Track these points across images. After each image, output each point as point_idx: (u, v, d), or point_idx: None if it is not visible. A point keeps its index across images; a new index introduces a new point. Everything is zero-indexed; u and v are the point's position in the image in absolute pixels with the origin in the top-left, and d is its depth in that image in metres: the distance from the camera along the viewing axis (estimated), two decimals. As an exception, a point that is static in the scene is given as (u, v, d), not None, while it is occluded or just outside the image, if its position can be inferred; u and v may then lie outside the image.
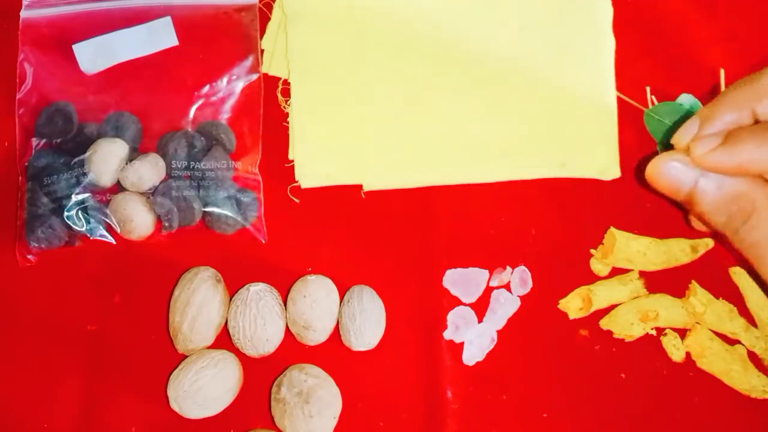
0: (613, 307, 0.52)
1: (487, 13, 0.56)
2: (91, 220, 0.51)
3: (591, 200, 0.54)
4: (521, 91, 0.55)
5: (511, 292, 0.52)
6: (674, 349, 0.51)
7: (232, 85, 0.54)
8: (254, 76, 0.54)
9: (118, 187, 0.52)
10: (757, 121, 0.43)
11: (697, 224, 0.50)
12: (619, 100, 0.55)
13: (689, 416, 0.50)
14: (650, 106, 0.55)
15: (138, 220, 0.50)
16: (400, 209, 0.54)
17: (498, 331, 0.52)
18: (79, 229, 0.50)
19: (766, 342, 0.51)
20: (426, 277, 0.52)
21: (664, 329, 0.52)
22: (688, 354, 0.51)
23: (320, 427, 0.47)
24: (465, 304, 0.52)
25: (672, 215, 0.54)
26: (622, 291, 0.52)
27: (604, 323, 0.51)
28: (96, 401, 0.50)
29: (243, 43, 0.55)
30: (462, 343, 0.51)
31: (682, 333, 0.51)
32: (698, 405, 0.50)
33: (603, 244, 0.53)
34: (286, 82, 0.55)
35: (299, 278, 0.51)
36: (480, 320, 0.52)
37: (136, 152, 0.52)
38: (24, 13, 0.54)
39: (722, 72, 0.50)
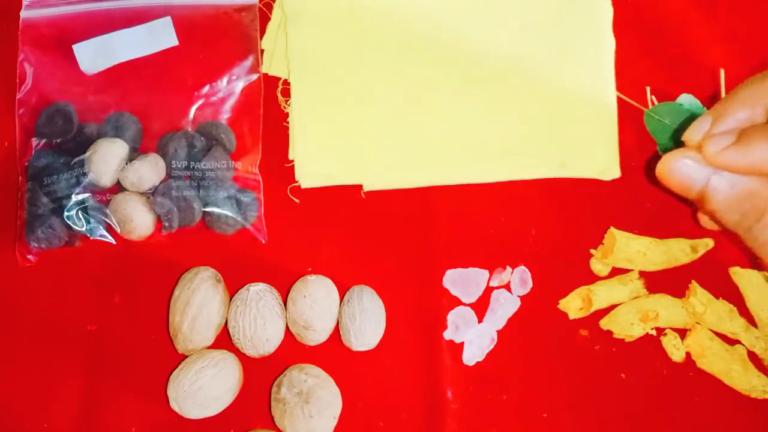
0: (613, 307, 0.52)
1: (487, 13, 0.56)
2: (91, 220, 0.51)
3: (591, 200, 0.54)
4: (521, 91, 0.55)
5: (511, 292, 0.52)
6: (674, 349, 0.51)
7: (232, 85, 0.54)
8: (254, 76, 0.54)
9: (118, 187, 0.52)
10: None
11: (705, 222, 0.49)
12: (619, 100, 0.55)
13: (689, 416, 0.50)
14: (650, 106, 0.55)
15: (138, 220, 0.50)
16: (400, 209, 0.54)
17: (498, 331, 0.52)
18: (79, 229, 0.50)
19: (766, 342, 0.51)
20: (426, 277, 0.52)
21: (664, 329, 0.52)
22: (688, 354, 0.51)
23: (320, 427, 0.47)
24: (465, 304, 0.52)
25: (672, 215, 0.54)
26: (622, 291, 0.52)
27: (604, 323, 0.51)
28: (96, 401, 0.50)
29: (243, 43, 0.55)
30: (462, 343, 0.51)
31: (682, 333, 0.51)
32: (698, 405, 0.50)
33: (603, 244, 0.53)
34: (286, 82, 0.55)
35: (299, 278, 0.51)
36: (480, 320, 0.52)
37: (136, 152, 0.52)
38: (24, 13, 0.54)
39: (722, 72, 0.50)
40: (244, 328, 0.49)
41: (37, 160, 0.51)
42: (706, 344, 0.51)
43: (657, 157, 0.51)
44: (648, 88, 0.55)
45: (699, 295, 0.51)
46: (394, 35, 0.55)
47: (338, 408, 0.48)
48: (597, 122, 0.55)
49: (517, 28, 0.56)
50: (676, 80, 0.55)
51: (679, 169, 0.42)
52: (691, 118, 0.53)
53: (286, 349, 0.50)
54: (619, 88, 0.55)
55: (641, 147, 0.54)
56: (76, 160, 0.51)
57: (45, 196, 0.51)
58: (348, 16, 0.56)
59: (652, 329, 0.51)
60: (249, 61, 0.55)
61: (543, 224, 0.54)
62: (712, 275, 0.52)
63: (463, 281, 0.52)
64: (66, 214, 0.50)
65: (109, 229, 0.51)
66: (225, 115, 0.54)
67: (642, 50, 0.57)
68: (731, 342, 0.51)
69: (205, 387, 0.47)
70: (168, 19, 0.54)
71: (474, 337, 0.51)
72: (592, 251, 0.53)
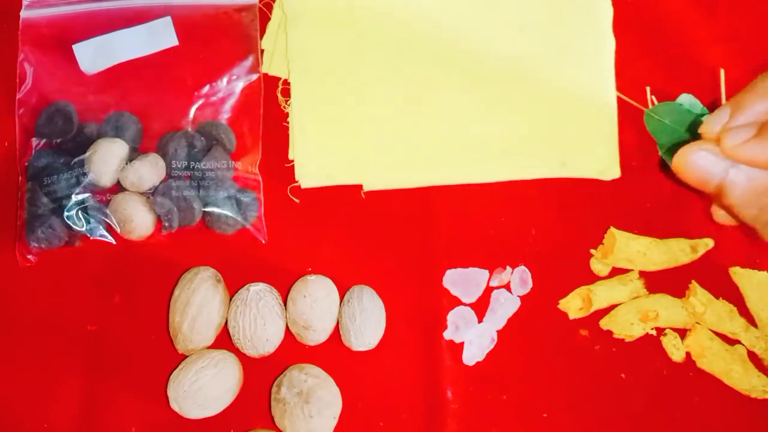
0: (613, 307, 0.52)
1: (487, 13, 0.56)
2: (91, 220, 0.51)
3: (591, 200, 0.54)
4: (521, 91, 0.55)
5: (511, 292, 0.52)
6: (674, 349, 0.51)
7: (232, 85, 0.54)
8: (254, 76, 0.54)
9: (118, 187, 0.52)
10: None
11: (719, 216, 0.48)
12: (619, 100, 0.55)
13: (689, 416, 0.50)
14: (650, 106, 0.55)
15: (138, 220, 0.50)
16: (400, 209, 0.54)
17: (498, 331, 0.52)
18: (79, 229, 0.50)
19: (766, 342, 0.51)
20: (426, 277, 0.52)
21: (664, 329, 0.52)
22: (688, 354, 0.51)
23: (320, 427, 0.47)
24: (465, 304, 0.52)
25: (672, 215, 0.54)
26: (622, 291, 0.52)
27: (604, 323, 0.51)
28: (96, 401, 0.50)
29: (243, 43, 0.55)
30: (462, 343, 0.51)
31: (682, 333, 0.51)
32: (698, 405, 0.50)
33: (603, 244, 0.53)
34: (286, 82, 0.55)
35: (299, 278, 0.51)
36: (480, 320, 0.52)
37: (136, 152, 0.52)
38: (24, 13, 0.54)
39: (722, 72, 0.50)
40: (244, 328, 0.49)
41: (37, 160, 0.51)
42: (706, 344, 0.51)
43: (665, 155, 0.51)
44: (648, 88, 0.55)
45: (699, 295, 0.51)
46: (394, 35, 0.55)
47: (338, 408, 0.48)
48: (597, 122, 0.55)
49: (517, 28, 0.56)
50: (676, 80, 0.55)
51: (696, 162, 0.41)
52: (692, 118, 0.53)
53: (286, 349, 0.50)
54: (619, 88, 0.55)
55: (641, 147, 0.54)
56: (76, 160, 0.51)
57: (45, 196, 0.51)
58: (348, 16, 0.56)
59: (652, 329, 0.51)
60: (249, 61, 0.55)
61: (543, 224, 0.54)
62: (712, 275, 0.52)
63: (463, 281, 0.52)
64: (66, 214, 0.50)
65: (109, 229, 0.51)
66: (225, 115, 0.54)
67: (642, 50, 0.57)
68: (731, 342, 0.51)
69: (205, 387, 0.47)
70: (168, 19, 0.54)
71: (474, 337, 0.51)
72: (592, 251, 0.53)
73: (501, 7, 0.56)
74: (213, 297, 0.49)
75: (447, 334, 0.51)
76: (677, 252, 0.52)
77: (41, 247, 0.51)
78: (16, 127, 0.53)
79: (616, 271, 0.53)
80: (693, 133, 0.53)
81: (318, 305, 0.49)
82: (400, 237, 0.53)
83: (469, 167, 0.54)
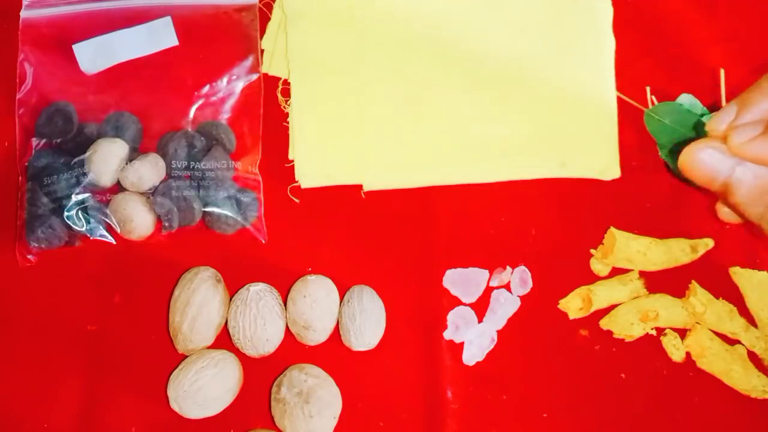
0: (613, 307, 0.52)
1: (487, 13, 0.56)
2: (91, 220, 0.51)
3: (591, 200, 0.54)
4: (521, 91, 0.55)
5: (511, 292, 0.52)
6: (674, 349, 0.51)
7: (232, 85, 0.54)
8: (254, 76, 0.54)
9: (118, 187, 0.52)
10: None
11: (724, 214, 0.47)
12: (619, 100, 0.55)
13: (689, 416, 0.50)
14: (650, 106, 0.55)
15: (138, 220, 0.50)
16: (400, 209, 0.54)
17: (498, 331, 0.52)
18: (79, 229, 0.50)
19: (766, 342, 0.51)
20: (426, 277, 0.52)
21: (664, 329, 0.52)
22: (688, 354, 0.51)
23: (320, 427, 0.47)
24: (465, 304, 0.52)
25: (672, 215, 0.54)
26: (622, 291, 0.52)
27: (604, 323, 0.51)
28: (96, 401, 0.50)
29: (243, 43, 0.55)
30: (462, 343, 0.51)
31: (682, 333, 0.51)
32: (698, 405, 0.50)
33: (603, 244, 0.53)
34: (286, 82, 0.55)
35: (299, 278, 0.51)
36: (480, 320, 0.52)
37: (136, 152, 0.52)
38: (24, 13, 0.54)
39: (722, 72, 0.50)
40: (244, 328, 0.49)
41: (37, 160, 0.51)
42: (706, 344, 0.51)
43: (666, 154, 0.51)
44: (648, 88, 0.55)
45: (699, 295, 0.51)
46: (394, 35, 0.55)
47: (338, 408, 0.48)
48: (597, 122, 0.55)
49: (517, 28, 0.56)
50: (676, 80, 0.55)
51: (703, 160, 0.41)
52: (691, 118, 0.53)
53: (286, 349, 0.50)
54: (619, 88, 0.55)
55: (641, 147, 0.54)
56: (76, 160, 0.51)
57: (45, 196, 0.51)
58: (348, 16, 0.56)
59: (652, 329, 0.51)
60: (249, 61, 0.55)
61: (543, 224, 0.54)
62: (712, 275, 0.52)
63: (463, 281, 0.52)
64: (66, 214, 0.50)
65: (109, 229, 0.51)
66: (225, 115, 0.54)
67: (642, 50, 0.57)
68: (731, 342, 0.51)
69: (205, 387, 0.47)
70: (168, 19, 0.54)
71: (474, 337, 0.51)
72: (592, 251, 0.53)
73: (501, 7, 0.56)
74: (213, 297, 0.49)
75: (447, 334, 0.51)
76: (677, 252, 0.52)
77: (41, 247, 0.51)
78: (16, 127, 0.53)
79: (616, 271, 0.53)
80: (697, 133, 0.53)
81: (318, 305, 0.49)
82: (400, 237, 0.53)
83: (469, 167, 0.54)
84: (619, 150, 0.54)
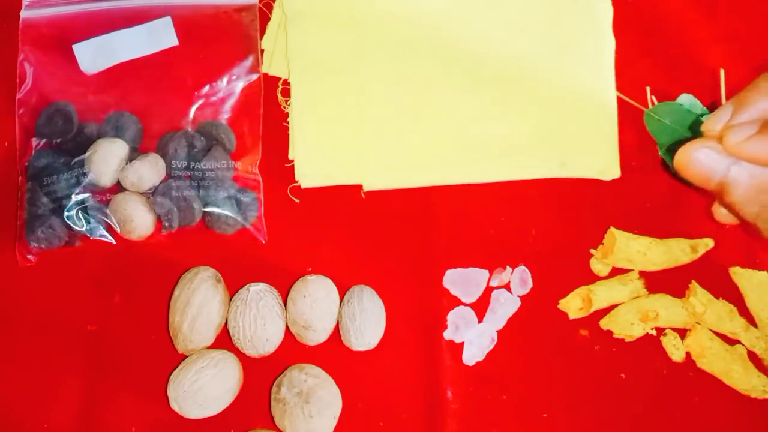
0: (613, 307, 0.52)
1: (487, 13, 0.56)
2: (91, 220, 0.51)
3: (591, 200, 0.54)
4: (521, 91, 0.55)
5: (511, 292, 0.52)
6: (674, 349, 0.51)
7: (232, 85, 0.54)
8: (254, 76, 0.54)
9: (118, 187, 0.52)
10: None
11: (720, 215, 0.47)
12: (619, 100, 0.55)
13: (689, 416, 0.50)
14: (650, 106, 0.55)
15: (138, 220, 0.50)
16: (400, 209, 0.54)
17: (498, 331, 0.52)
18: (79, 229, 0.50)
19: (766, 342, 0.51)
20: (426, 277, 0.52)
21: (664, 329, 0.52)
22: (688, 354, 0.51)
23: (320, 427, 0.47)
24: (465, 304, 0.52)
25: (672, 215, 0.54)
26: (622, 291, 0.52)
27: (604, 323, 0.51)
28: (96, 401, 0.50)
29: (243, 43, 0.55)
30: (462, 343, 0.51)
31: (682, 333, 0.51)
32: (698, 405, 0.50)
33: (603, 244, 0.53)
34: (286, 82, 0.55)
35: (299, 278, 0.51)
36: (480, 320, 0.52)
37: (136, 152, 0.52)
38: (24, 13, 0.54)
39: (722, 72, 0.50)
40: (244, 328, 0.49)
41: (37, 160, 0.51)
42: (706, 344, 0.51)
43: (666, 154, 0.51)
44: (648, 88, 0.55)
45: (699, 295, 0.51)
46: (394, 35, 0.55)
47: (338, 408, 0.48)
48: (597, 122, 0.55)
49: (517, 28, 0.56)
50: (676, 80, 0.55)
51: (699, 159, 0.41)
52: (692, 118, 0.53)
53: (286, 349, 0.50)
54: (619, 88, 0.55)
55: (641, 147, 0.54)
56: (76, 160, 0.51)
57: (45, 196, 0.51)
58: (348, 16, 0.56)
59: (652, 329, 0.51)
60: (249, 61, 0.55)
61: (543, 224, 0.54)
62: (712, 275, 0.52)
63: (463, 281, 0.52)
64: (66, 214, 0.50)
65: (109, 229, 0.51)
66: (225, 115, 0.54)
67: (642, 50, 0.57)
68: (731, 342, 0.51)
69: (205, 387, 0.47)
70: (168, 19, 0.54)
71: (474, 337, 0.51)
72: (592, 251, 0.53)
73: (501, 7, 0.56)
74: (213, 297, 0.49)
75: (447, 334, 0.51)
76: (677, 252, 0.52)
77: (41, 247, 0.51)
78: (16, 127, 0.53)
79: (616, 271, 0.53)
80: (694, 133, 0.53)
81: (318, 305, 0.49)
82: (400, 237, 0.53)
83: (469, 167, 0.54)
84: (619, 150, 0.54)
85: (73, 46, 0.53)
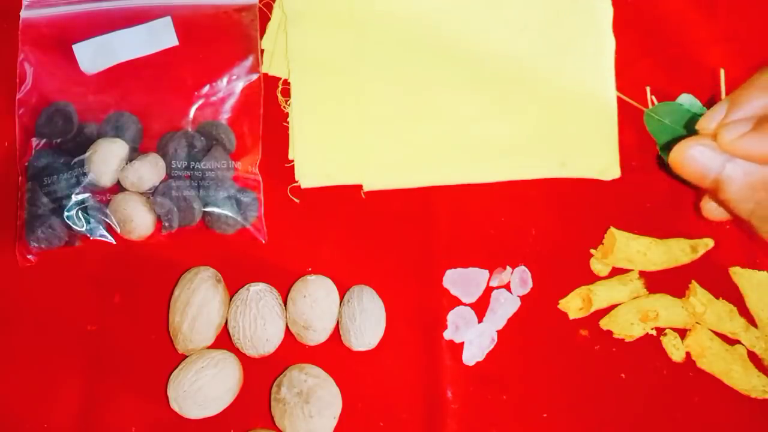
0: (613, 307, 0.52)
1: (487, 13, 0.56)
2: (91, 220, 0.51)
3: (591, 200, 0.54)
4: (521, 91, 0.55)
5: (511, 292, 0.52)
6: (674, 349, 0.51)
7: (232, 85, 0.54)
8: (254, 76, 0.54)
9: (118, 187, 0.52)
10: None
11: (708, 211, 0.47)
12: (619, 100, 0.55)
13: (689, 416, 0.50)
14: (650, 106, 0.55)
15: (138, 220, 0.50)
16: (400, 209, 0.54)
17: (498, 331, 0.52)
18: (79, 229, 0.50)
19: (766, 342, 0.51)
20: (426, 277, 0.52)
21: (664, 329, 0.52)
22: (688, 354, 0.51)
23: (320, 427, 0.47)
24: (465, 304, 0.52)
25: (672, 215, 0.54)
26: (622, 291, 0.52)
27: (604, 323, 0.51)
28: (96, 401, 0.50)
29: (243, 43, 0.55)
30: (462, 343, 0.51)
31: (682, 333, 0.51)
32: (698, 405, 0.50)
33: (603, 244, 0.53)
34: (286, 82, 0.55)
35: (299, 278, 0.51)
36: (480, 320, 0.52)
37: (136, 152, 0.52)
38: (24, 13, 0.54)
39: (722, 72, 0.50)
40: (244, 328, 0.49)
41: (37, 160, 0.51)
42: (706, 344, 0.51)
43: (660, 156, 0.51)
44: (648, 88, 0.55)
45: (699, 295, 0.51)
46: (394, 35, 0.55)
47: (338, 408, 0.48)
48: (597, 122, 0.55)
49: (517, 28, 0.56)
50: (676, 80, 0.55)
51: (693, 157, 0.41)
52: (691, 118, 0.53)
53: (286, 349, 0.50)
54: (619, 88, 0.55)
55: (641, 147, 0.54)
56: (76, 160, 0.51)
57: (45, 196, 0.51)
58: (348, 16, 0.56)
59: (652, 329, 0.51)
60: (249, 61, 0.55)
61: (543, 224, 0.54)
62: (712, 275, 0.52)
63: (463, 281, 0.52)
64: (66, 214, 0.50)
65: (109, 229, 0.51)
66: (225, 115, 0.54)
67: (642, 50, 0.57)
68: (731, 342, 0.51)
69: (205, 387, 0.47)
70: (168, 19, 0.54)
71: (474, 337, 0.51)
72: (592, 251, 0.53)
73: (501, 7, 0.56)
74: (213, 297, 0.49)
75: (447, 334, 0.51)
76: (677, 252, 0.52)
77: (41, 247, 0.51)
78: (16, 127, 0.53)
79: (616, 271, 0.53)
80: (690, 132, 0.53)
81: (318, 305, 0.49)
82: (400, 237, 0.53)
83: (469, 167, 0.54)
84: (619, 150, 0.54)
85: (73, 46, 0.53)
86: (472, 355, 0.51)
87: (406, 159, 0.54)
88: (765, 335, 0.51)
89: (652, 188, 0.54)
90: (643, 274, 0.52)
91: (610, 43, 0.56)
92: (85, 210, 0.51)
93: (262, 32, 0.56)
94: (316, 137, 0.54)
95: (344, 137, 0.54)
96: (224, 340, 0.50)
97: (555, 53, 0.56)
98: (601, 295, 0.51)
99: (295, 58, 0.55)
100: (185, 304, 0.48)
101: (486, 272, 0.52)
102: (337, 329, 0.51)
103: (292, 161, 0.54)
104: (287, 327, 0.50)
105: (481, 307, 0.52)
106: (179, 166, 0.52)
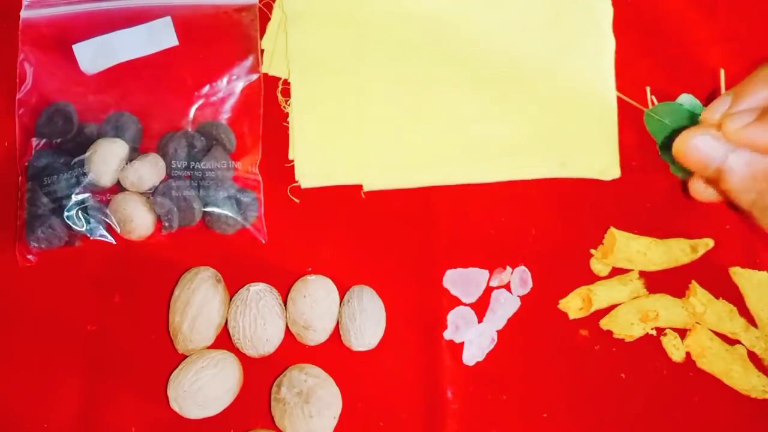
0: (613, 307, 0.52)
1: (487, 13, 0.56)
2: (91, 220, 0.51)
3: (591, 200, 0.54)
4: (521, 91, 0.55)
5: (511, 292, 0.52)
6: (674, 349, 0.51)
7: (232, 85, 0.54)
8: (254, 76, 0.54)
9: (118, 187, 0.52)
10: None
11: (696, 191, 0.47)
12: (619, 100, 0.55)
13: (689, 416, 0.50)
14: (650, 106, 0.55)
15: (138, 220, 0.50)
16: (400, 209, 0.54)
17: (498, 331, 0.52)
18: (79, 229, 0.50)
19: (766, 342, 0.51)
20: (426, 277, 0.52)
21: (664, 329, 0.52)
22: (688, 354, 0.51)
23: (320, 427, 0.47)
24: (465, 304, 0.52)
25: (672, 215, 0.54)
26: (622, 291, 0.52)
27: (604, 323, 0.51)
28: (96, 401, 0.50)
29: (243, 43, 0.55)
30: (462, 343, 0.51)
31: (682, 333, 0.51)
32: (698, 405, 0.50)
33: (603, 244, 0.53)
34: (286, 82, 0.55)
35: (299, 278, 0.51)
36: (480, 320, 0.52)
37: (136, 152, 0.52)
38: (24, 13, 0.54)
39: (722, 72, 0.50)
40: (244, 328, 0.49)
41: (37, 160, 0.51)
42: (706, 344, 0.51)
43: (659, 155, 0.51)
44: (648, 88, 0.55)
45: (699, 295, 0.51)
46: (394, 35, 0.55)
47: (338, 408, 0.48)
48: (597, 122, 0.55)
49: (517, 28, 0.56)
50: (676, 80, 0.55)
51: (697, 146, 0.42)
52: (691, 118, 0.53)
53: (286, 349, 0.50)
54: (619, 88, 0.55)
55: (641, 147, 0.54)
56: (76, 160, 0.51)
57: (45, 196, 0.51)
58: (348, 16, 0.56)
59: (652, 329, 0.51)
60: (249, 61, 0.55)
61: (543, 224, 0.54)
62: (712, 275, 0.52)
63: (463, 281, 0.52)
64: (66, 214, 0.50)
65: (109, 229, 0.51)
66: (225, 115, 0.54)
67: (642, 50, 0.57)
68: (731, 342, 0.51)
69: (205, 387, 0.47)
70: (168, 19, 0.54)
71: (474, 337, 0.51)
72: (592, 251, 0.53)
73: (501, 7, 0.56)
74: (213, 297, 0.49)
75: (447, 334, 0.51)
76: (677, 252, 0.52)
77: (41, 247, 0.51)
78: (16, 127, 0.53)
79: (616, 271, 0.53)
80: None
81: (318, 305, 0.49)
82: (400, 237, 0.53)
83: (469, 167, 0.54)
84: (619, 150, 0.54)
85: (73, 46, 0.53)
86: (472, 355, 0.51)
87: (406, 159, 0.54)
88: (765, 335, 0.51)
89: (652, 188, 0.54)
90: (643, 274, 0.52)
91: (610, 43, 0.56)
92: (85, 210, 0.51)
93: (262, 32, 0.56)
94: (316, 137, 0.54)
95: (344, 137, 0.54)
96: (224, 340, 0.50)
97: (555, 53, 0.56)
98: (601, 295, 0.51)
99: (295, 58, 0.55)
100: (185, 304, 0.48)
101: (486, 272, 0.52)
102: (337, 329, 0.51)
103: (292, 161, 0.54)
104: (287, 327, 0.50)
105: (481, 307, 0.52)
106: (179, 166, 0.52)
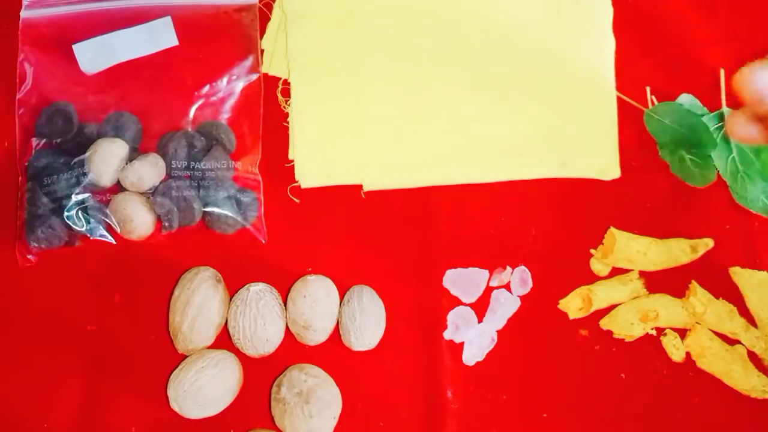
0: (613, 307, 0.52)
1: (487, 13, 0.56)
2: (91, 220, 0.51)
3: (591, 200, 0.54)
4: (521, 91, 0.55)
5: (511, 292, 0.52)
6: (674, 349, 0.51)
7: (232, 85, 0.54)
8: (254, 76, 0.54)
9: (118, 187, 0.52)
10: None
11: (734, 126, 0.45)
12: (619, 100, 0.55)
13: (689, 416, 0.50)
14: (650, 106, 0.55)
15: (138, 220, 0.50)
16: (400, 209, 0.54)
17: (498, 331, 0.52)
18: (79, 229, 0.50)
19: (766, 342, 0.51)
20: (426, 277, 0.52)
21: (664, 329, 0.52)
22: (688, 354, 0.51)
23: (320, 427, 0.47)
24: (465, 304, 0.52)
25: (672, 215, 0.54)
26: (622, 291, 0.52)
27: (604, 323, 0.51)
28: (96, 401, 0.50)
29: (243, 43, 0.55)
30: (462, 343, 0.51)
31: (682, 333, 0.51)
32: (698, 405, 0.50)
33: (603, 244, 0.53)
34: (286, 82, 0.55)
35: (299, 278, 0.51)
36: (480, 320, 0.52)
37: (136, 152, 0.52)
38: (24, 13, 0.54)
39: (722, 72, 0.50)
40: (244, 328, 0.49)
41: (37, 160, 0.51)
42: (706, 344, 0.51)
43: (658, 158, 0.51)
44: (648, 88, 0.55)
45: (699, 295, 0.51)
46: (394, 35, 0.55)
47: (338, 408, 0.48)
48: (597, 122, 0.55)
49: (517, 28, 0.56)
50: (676, 80, 0.55)
51: (756, 80, 0.41)
52: (691, 118, 0.53)
53: (286, 349, 0.50)
54: (619, 88, 0.55)
55: (641, 147, 0.54)
56: (76, 160, 0.51)
57: (45, 196, 0.51)
58: (348, 16, 0.56)
59: (652, 329, 0.51)
60: (249, 61, 0.55)
61: (543, 224, 0.54)
62: (712, 275, 0.52)
63: (463, 281, 0.52)
64: (66, 214, 0.50)
65: (109, 229, 0.51)
66: (225, 115, 0.54)
67: (642, 50, 0.57)
68: (731, 342, 0.51)
69: (205, 387, 0.47)
70: (168, 19, 0.54)
71: (474, 337, 0.51)
72: (592, 251, 0.53)
73: (501, 8, 0.56)
74: (213, 297, 0.49)
75: (447, 334, 0.51)
76: (677, 252, 0.52)
77: (41, 247, 0.51)
78: (16, 127, 0.53)
79: (616, 271, 0.53)
80: (692, 132, 0.53)
81: (318, 305, 0.49)
82: (400, 237, 0.53)
83: (469, 167, 0.54)
84: (619, 150, 0.54)
85: (73, 46, 0.53)
86: (472, 355, 0.51)
87: (406, 159, 0.54)
88: (765, 335, 0.51)
89: (652, 188, 0.54)
90: (643, 274, 0.52)
91: (610, 43, 0.56)
92: (85, 210, 0.51)
93: (262, 32, 0.56)
94: (316, 137, 0.54)
95: (344, 137, 0.54)
96: (224, 340, 0.50)
97: (555, 53, 0.56)
98: (601, 295, 0.51)
99: (295, 58, 0.55)
100: (185, 304, 0.48)
101: (486, 272, 0.52)
102: (337, 329, 0.51)
103: (292, 161, 0.54)
104: (287, 327, 0.50)
105: (481, 307, 0.52)
106: (179, 166, 0.52)
